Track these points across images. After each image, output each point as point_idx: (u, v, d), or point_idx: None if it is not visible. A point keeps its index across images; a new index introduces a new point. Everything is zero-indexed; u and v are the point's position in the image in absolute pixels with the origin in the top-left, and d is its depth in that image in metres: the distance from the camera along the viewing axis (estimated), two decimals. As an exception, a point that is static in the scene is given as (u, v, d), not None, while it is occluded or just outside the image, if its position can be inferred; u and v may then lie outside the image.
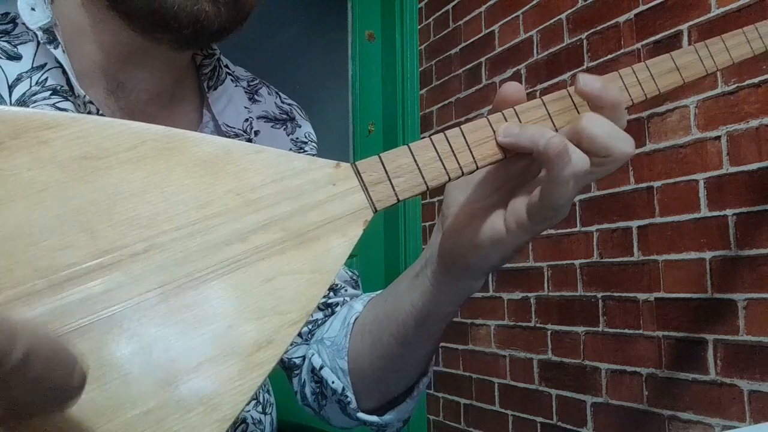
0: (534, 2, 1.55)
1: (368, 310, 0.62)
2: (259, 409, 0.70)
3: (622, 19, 1.29)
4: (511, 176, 0.47)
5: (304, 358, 0.68)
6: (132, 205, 0.32)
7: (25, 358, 0.25)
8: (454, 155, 0.42)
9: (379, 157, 0.40)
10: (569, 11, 1.43)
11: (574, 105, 0.46)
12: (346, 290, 0.71)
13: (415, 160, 0.41)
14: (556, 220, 0.44)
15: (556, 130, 0.45)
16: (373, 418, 0.62)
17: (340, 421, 0.66)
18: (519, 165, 0.47)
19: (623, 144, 0.43)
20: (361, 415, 0.62)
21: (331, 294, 0.70)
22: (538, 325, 1.47)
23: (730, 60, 0.56)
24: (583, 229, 1.36)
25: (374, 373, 0.60)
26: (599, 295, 1.31)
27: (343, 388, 0.61)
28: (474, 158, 0.43)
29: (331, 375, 0.62)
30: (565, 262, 1.40)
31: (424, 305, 0.53)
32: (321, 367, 0.62)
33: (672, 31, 1.18)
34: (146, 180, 0.32)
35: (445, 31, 1.91)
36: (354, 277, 0.73)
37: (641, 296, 1.21)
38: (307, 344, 0.68)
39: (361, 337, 0.61)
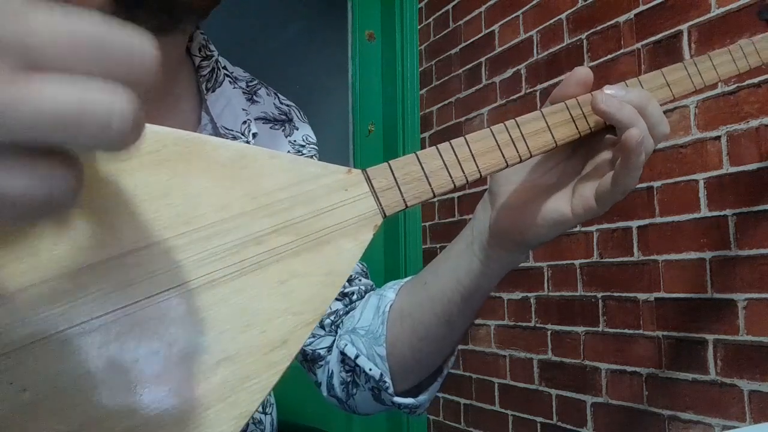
0: (534, 2, 1.55)
1: (403, 295, 0.64)
2: (260, 409, 0.70)
3: (622, 19, 1.30)
4: (566, 156, 0.51)
5: (329, 349, 0.69)
6: (154, 207, 0.32)
7: None
8: (459, 164, 0.44)
9: (389, 164, 0.41)
10: (569, 11, 1.44)
11: (572, 118, 0.48)
12: (360, 280, 0.73)
13: (423, 168, 0.42)
14: (619, 200, 0.48)
15: (556, 143, 0.47)
16: (409, 401, 0.64)
17: (368, 408, 0.67)
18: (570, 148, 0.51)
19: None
20: (397, 399, 0.63)
21: (346, 284, 0.71)
22: (538, 325, 1.48)
23: (717, 78, 0.59)
24: (583, 229, 1.36)
25: (414, 356, 0.62)
26: (599, 295, 1.32)
27: (381, 375, 0.62)
28: (478, 167, 0.44)
29: (368, 363, 0.63)
30: (565, 262, 1.41)
31: (471, 281, 0.55)
32: (356, 357, 0.64)
33: (672, 31, 1.18)
34: (168, 183, 0.32)
35: (445, 31, 1.91)
36: (364, 269, 0.75)
37: (641, 296, 1.22)
38: (332, 335, 0.69)
39: (399, 322, 0.62)
